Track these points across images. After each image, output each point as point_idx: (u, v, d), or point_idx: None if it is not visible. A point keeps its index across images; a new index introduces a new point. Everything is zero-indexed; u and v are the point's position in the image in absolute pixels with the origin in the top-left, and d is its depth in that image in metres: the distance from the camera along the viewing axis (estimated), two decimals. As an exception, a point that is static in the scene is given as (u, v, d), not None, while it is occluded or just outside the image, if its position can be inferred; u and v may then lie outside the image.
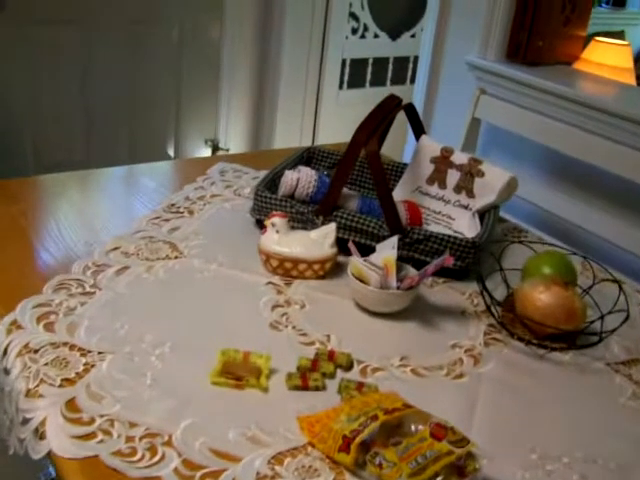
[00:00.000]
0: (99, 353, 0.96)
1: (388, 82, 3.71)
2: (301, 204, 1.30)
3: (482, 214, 1.42)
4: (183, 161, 2.35)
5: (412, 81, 3.38)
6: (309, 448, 0.85)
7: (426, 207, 1.47)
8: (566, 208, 2.08)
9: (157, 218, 1.36)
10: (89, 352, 0.96)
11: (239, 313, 1.10)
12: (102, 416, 0.85)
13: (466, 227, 1.42)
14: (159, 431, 0.84)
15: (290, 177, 1.32)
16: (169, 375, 0.94)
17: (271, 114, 3.32)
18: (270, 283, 1.20)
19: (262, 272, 1.22)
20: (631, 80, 2.77)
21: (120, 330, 1.01)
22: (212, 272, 1.20)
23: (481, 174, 1.43)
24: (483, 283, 1.17)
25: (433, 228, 1.41)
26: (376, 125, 1.27)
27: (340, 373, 0.99)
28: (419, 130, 1.53)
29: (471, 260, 1.26)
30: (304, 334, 1.07)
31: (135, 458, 0.80)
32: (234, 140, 3.34)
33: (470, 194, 1.44)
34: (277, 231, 1.21)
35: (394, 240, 1.17)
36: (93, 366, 0.93)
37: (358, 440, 0.81)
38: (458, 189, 1.45)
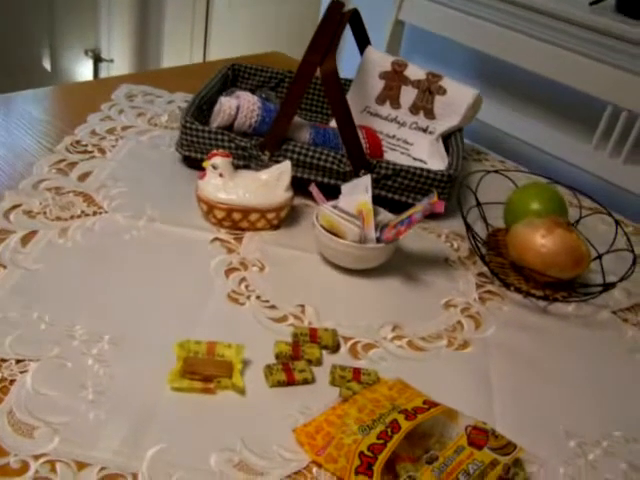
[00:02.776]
0: (17, 362, 0.72)
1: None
2: (242, 137, 1.07)
3: (444, 138, 1.24)
4: (77, 84, 2.01)
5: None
6: (314, 469, 0.67)
7: (377, 131, 1.27)
8: (498, 116, 1.93)
9: (61, 161, 1.09)
10: (3, 362, 0.72)
11: (187, 284, 0.88)
12: (37, 457, 0.63)
13: (426, 153, 1.24)
14: (119, 470, 0.63)
15: (228, 105, 1.08)
16: (116, 384, 0.72)
17: (157, 16, 2.95)
18: (217, 239, 0.98)
19: (204, 226, 1.00)
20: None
21: (40, 324, 0.78)
22: (143, 230, 0.97)
23: (442, 91, 1.24)
24: (469, 226, 1.00)
25: (388, 156, 1.22)
26: (330, 41, 1.04)
27: (326, 356, 0.81)
28: (364, 41, 1.31)
29: (447, 196, 1.08)
30: (272, 306, 0.87)
31: (94, 519, 0.59)
32: (118, 50, 2.97)
33: (429, 115, 1.25)
34: (220, 174, 0.98)
35: (367, 181, 0.97)
36: (12, 382, 0.70)
37: (382, 460, 0.63)
38: (415, 109, 1.26)
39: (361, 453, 0.64)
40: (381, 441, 0.65)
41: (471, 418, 0.68)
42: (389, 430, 0.66)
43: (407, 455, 0.66)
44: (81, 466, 0.63)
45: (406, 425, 0.66)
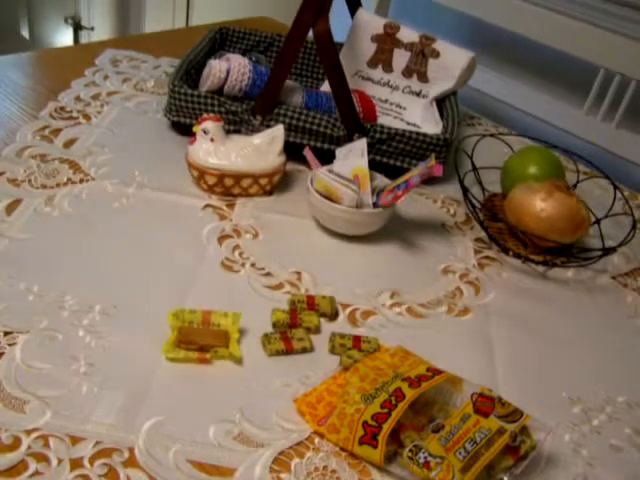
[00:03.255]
0: (6, 334, 0.70)
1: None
2: (232, 101, 1.04)
3: (438, 102, 1.21)
4: (59, 49, 1.95)
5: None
6: (316, 439, 0.65)
7: (369, 96, 1.24)
8: (488, 81, 1.90)
9: (45, 128, 1.06)
10: (-9, 334, 0.69)
11: (179, 252, 0.85)
12: (29, 433, 0.60)
13: (419, 118, 1.21)
14: (115, 444, 0.61)
15: (218, 68, 1.04)
16: (109, 355, 0.70)
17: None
18: (208, 206, 0.95)
19: (195, 192, 0.97)
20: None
21: (28, 295, 0.75)
22: (132, 198, 0.93)
23: (436, 54, 1.20)
24: (467, 190, 0.98)
25: (381, 121, 1.19)
26: (322, 0, 1.01)
27: (325, 324, 0.78)
28: (354, 3, 1.27)
29: (443, 161, 1.05)
30: (268, 274, 0.85)
31: (90, 494, 0.57)
32: (98, 17, 2.89)
33: (423, 78, 1.22)
34: (211, 139, 0.95)
35: (362, 144, 0.94)
36: (1, 355, 0.67)
37: (387, 429, 0.61)
38: (408, 73, 1.23)
39: (365, 423, 0.63)
40: (385, 410, 0.63)
41: (476, 385, 0.67)
42: (393, 399, 0.64)
43: (411, 424, 0.64)
44: (75, 440, 0.61)
45: (410, 393, 0.64)
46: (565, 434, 0.70)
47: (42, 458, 0.59)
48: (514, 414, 0.64)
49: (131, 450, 0.61)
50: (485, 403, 0.64)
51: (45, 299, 0.74)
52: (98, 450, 0.60)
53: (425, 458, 0.59)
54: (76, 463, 0.59)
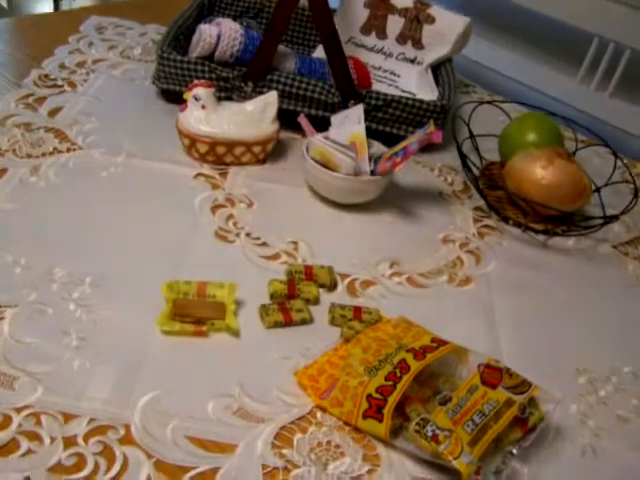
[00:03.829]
0: (-7, 308, 0.67)
1: None
2: (223, 67, 1.00)
3: (433, 70, 1.18)
4: (41, 16, 1.89)
5: None
6: (318, 413, 0.63)
7: (364, 62, 1.20)
8: (480, 50, 1.86)
9: (29, 96, 1.02)
10: (-23, 308, 0.66)
11: (171, 222, 0.82)
12: (20, 410, 0.58)
13: (414, 85, 1.18)
14: (110, 421, 0.59)
15: (208, 33, 1.00)
16: (101, 329, 0.67)
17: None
18: (200, 175, 0.92)
19: (186, 161, 0.94)
20: None
21: (15, 268, 0.72)
22: (121, 167, 0.90)
23: (431, 20, 1.17)
24: (466, 157, 0.95)
25: (376, 88, 1.16)
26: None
27: (324, 295, 0.76)
28: (347, -35, 1.23)
29: (440, 128, 1.02)
30: (264, 244, 0.82)
31: (85, 473, 0.54)
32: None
33: (417, 45, 1.19)
34: (203, 106, 0.91)
35: (359, 111, 0.91)
36: (-11, 329, 0.64)
37: (393, 402, 0.59)
38: (402, 39, 1.20)
39: (369, 396, 0.61)
40: (390, 382, 0.61)
41: (482, 356, 0.65)
42: (398, 371, 0.62)
43: (417, 396, 0.62)
44: (68, 418, 0.58)
45: (416, 365, 0.62)
46: (572, 405, 0.68)
47: (34, 436, 0.56)
48: (522, 385, 0.62)
49: (127, 427, 0.58)
50: (492, 374, 0.62)
51: (33, 272, 0.72)
52: (92, 427, 0.58)
53: (433, 431, 0.58)
54: (70, 441, 0.56)
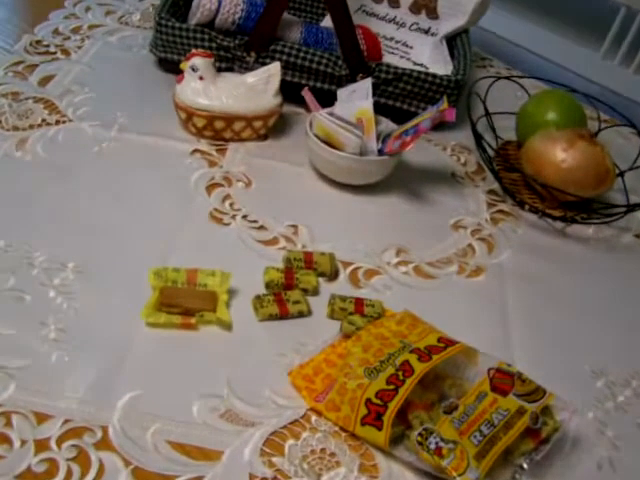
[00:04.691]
0: (-34, 294, 0.62)
1: None
2: (224, 36, 0.94)
3: (448, 41, 1.12)
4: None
5: None
6: (313, 418, 0.58)
7: (374, 32, 1.14)
8: (498, 21, 1.79)
9: (19, 63, 0.96)
10: (-51, 294, 0.62)
11: (163, 202, 0.77)
12: (-11, 409, 0.53)
13: (428, 57, 1.12)
14: (86, 422, 0.54)
15: (208, -2, 0.94)
16: (82, 319, 0.62)
17: None
18: (197, 151, 0.87)
19: (183, 136, 0.88)
20: None
21: (-7, 249, 0.67)
22: (113, 141, 0.85)
23: (447, -13, 1.10)
24: (480, 136, 0.89)
25: (387, 60, 1.09)
26: None
27: (324, 285, 0.71)
28: None
29: (454, 104, 0.97)
30: (261, 227, 0.77)
31: (56, 481, 0.50)
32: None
33: (432, 14, 1.12)
34: (200, 77, 0.85)
35: (367, 85, 0.85)
36: (-40, 319, 0.60)
37: (393, 409, 0.54)
38: (416, 8, 1.13)
39: (368, 400, 0.56)
40: (391, 387, 0.56)
41: (493, 358, 0.60)
42: (400, 374, 0.57)
43: (420, 401, 0.57)
44: (41, 418, 0.54)
45: (420, 368, 0.57)
46: (588, 412, 0.63)
47: (3, 439, 0.52)
48: (535, 392, 0.57)
49: (104, 429, 0.54)
50: (503, 380, 0.57)
51: (12, 255, 0.67)
52: (67, 429, 0.54)
53: (436, 444, 0.53)
54: (42, 445, 0.52)
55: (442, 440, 0.53)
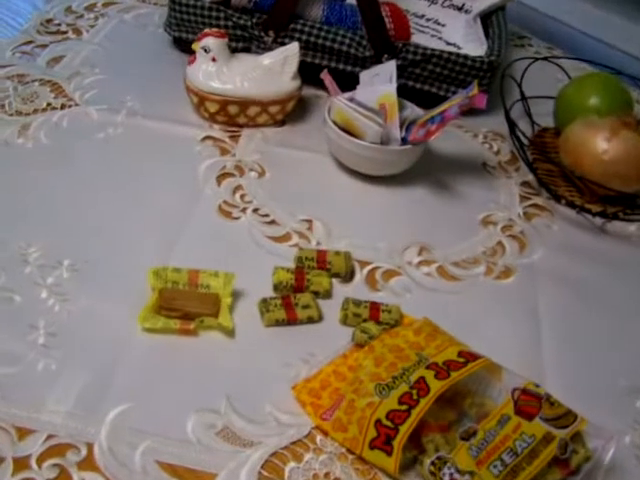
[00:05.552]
0: (-49, 295, 0.58)
1: None
2: (241, 14, 0.89)
3: (483, 19, 1.05)
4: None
5: None
6: (318, 437, 0.53)
7: (403, 10, 1.07)
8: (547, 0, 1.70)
9: (28, 43, 0.92)
10: None
11: (169, 194, 0.73)
12: (-34, 422, 0.49)
13: (461, 36, 1.05)
14: (71, 438, 0.50)
15: (224, -27, 0.88)
16: (74, 323, 0.58)
17: None
18: (208, 138, 0.82)
19: (194, 121, 0.83)
20: None
21: (-15, 244, 0.63)
22: (120, 127, 0.80)
23: (483, -40, 1.03)
24: (514, 123, 0.83)
25: (416, 39, 1.02)
26: None
27: (337, 286, 0.66)
28: None
29: (486, 88, 0.90)
30: (272, 221, 0.72)
31: (32, 507, 0.46)
32: None
33: (466, -11, 1.05)
34: (213, 59, 0.80)
35: (391, 67, 0.79)
36: (-58, 321, 0.56)
37: (405, 434, 0.49)
38: (449, -18, 1.05)
39: (378, 422, 0.50)
40: (404, 407, 0.50)
41: (520, 377, 0.54)
42: (414, 392, 0.51)
43: (435, 423, 0.52)
44: (23, 433, 0.50)
45: (437, 387, 0.51)
46: (625, 436, 0.57)
47: (-22, 457, 0.48)
48: (565, 417, 0.51)
49: (89, 447, 0.50)
50: (529, 402, 0.52)
51: (5, 251, 0.63)
52: (49, 446, 0.50)
53: (451, 475, 0.47)
54: (21, 463, 0.48)
55: (457, 471, 0.47)
